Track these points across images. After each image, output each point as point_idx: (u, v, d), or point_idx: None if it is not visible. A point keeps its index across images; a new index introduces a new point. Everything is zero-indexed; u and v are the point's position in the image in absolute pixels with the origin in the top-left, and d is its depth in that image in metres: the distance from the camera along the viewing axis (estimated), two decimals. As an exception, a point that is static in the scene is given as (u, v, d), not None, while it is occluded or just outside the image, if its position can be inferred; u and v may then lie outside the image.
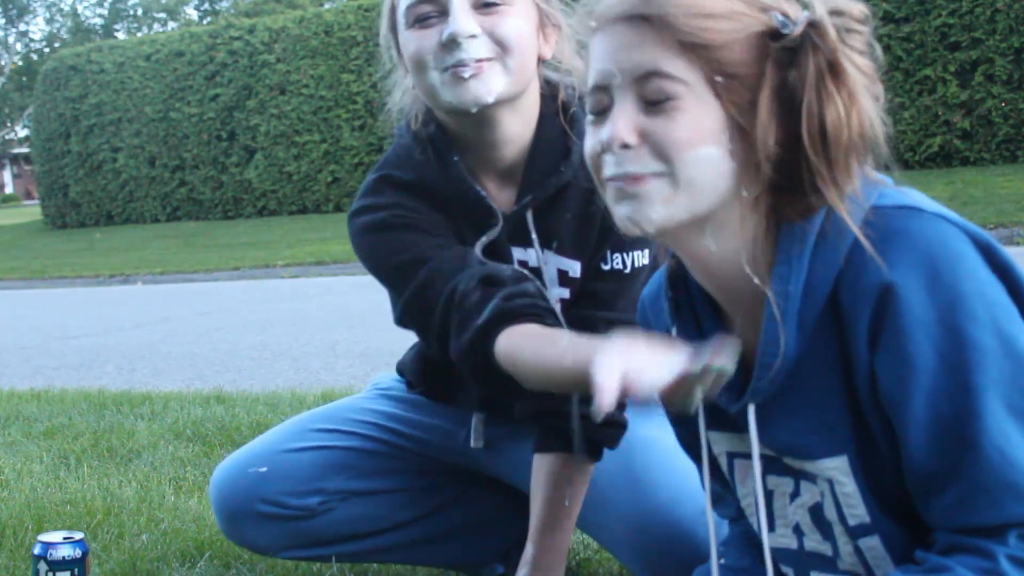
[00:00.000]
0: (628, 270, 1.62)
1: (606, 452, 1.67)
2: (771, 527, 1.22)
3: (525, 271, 1.61)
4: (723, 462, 1.26)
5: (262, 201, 16.51)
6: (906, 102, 11.82)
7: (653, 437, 1.75)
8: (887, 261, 1.04)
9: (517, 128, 1.60)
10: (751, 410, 1.16)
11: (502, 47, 1.52)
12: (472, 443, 1.82)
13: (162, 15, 42.81)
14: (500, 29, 1.52)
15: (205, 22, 38.79)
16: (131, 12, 43.23)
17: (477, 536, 1.94)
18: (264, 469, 1.82)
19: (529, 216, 1.63)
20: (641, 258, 1.63)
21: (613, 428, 1.65)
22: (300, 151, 16.04)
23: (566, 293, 1.67)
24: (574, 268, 1.65)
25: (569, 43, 1.62)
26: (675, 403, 1.11)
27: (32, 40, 44.79)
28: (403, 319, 1.67)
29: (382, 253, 1.64)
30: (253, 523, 1.83)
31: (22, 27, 44.61)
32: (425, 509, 1.91)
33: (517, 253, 1.66)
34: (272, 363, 5.11)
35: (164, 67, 17.15)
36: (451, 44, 1.50)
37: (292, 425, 1.93)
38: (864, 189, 1.08)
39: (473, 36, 1.50)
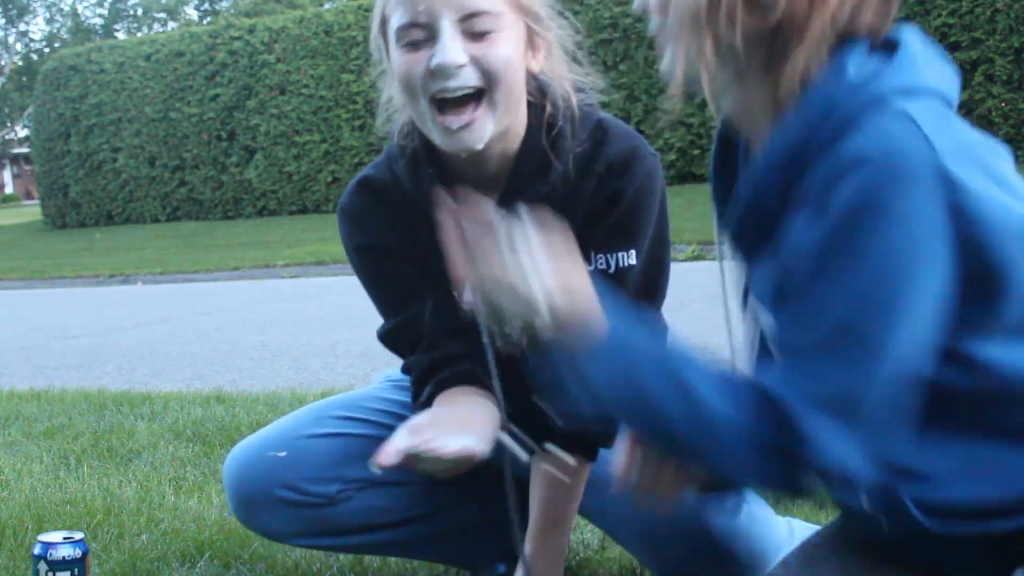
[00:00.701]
0: (612, 270, 1.63)
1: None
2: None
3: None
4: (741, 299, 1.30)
5: (262, 201, 16.52)
6: (906, 102, 11.78)
7: None
8: (843, 142, 1.05)
9: (502, 146, 1.60)
10: (727, 242, 1.23)
11: (489, 78, 1.51)
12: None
13: (162, 15, 42.83)
14: (488, 59, 1.50)
15: (205, 22, 38.80)
16: (131, 12, 43.25)
17: (487, 534, 1.94)
18: (283, 454, 1.81)
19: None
20: (627, 259, 1.63)
21: (607, 429, 1.65)
22: (300, 151, 16.05)
23: None
24: None
25: (558, 51, 1.61)
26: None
27: (32, 40, 44.82)
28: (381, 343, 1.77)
29: (356, 271, 1.74)
30: (270, 508, 1.82)
31: (22, 27, 44.64)
32: (440, 503, 1.90)
33: None
34: (272, 363, 5.11)
35: (164, 67, 17.16)
36: (439, 72, 1.49)
37: (309, 412, 1.92)
38: (878, 62, 1.10)
39: (461, 66, 1.49)
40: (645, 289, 1.66)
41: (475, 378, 1.64)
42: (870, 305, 1.04)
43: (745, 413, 1.07)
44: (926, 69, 1.12)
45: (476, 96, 1.52)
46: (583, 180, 1.60)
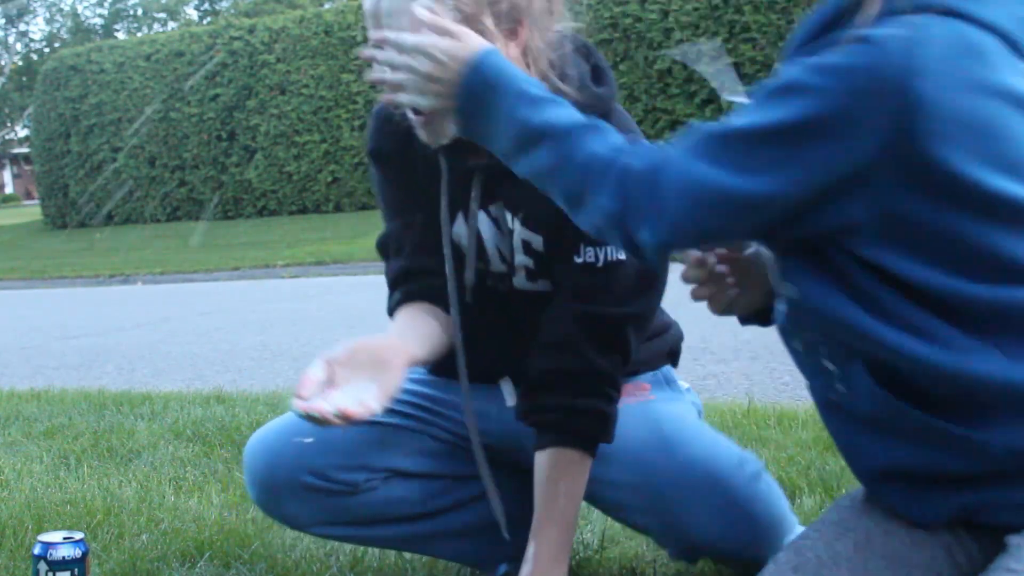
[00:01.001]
0: (600, 264, 1.64)
1: (636, 423, 1.69)
2: None
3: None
4: None
5: (262, 201, 16.52)
6: (906, 102, 11.78)
7: (680, 412, 1.79)
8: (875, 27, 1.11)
9: None
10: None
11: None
12: (508, 403, 1.81)
13: (162, 15, 42.84)
14: None
15: (205, 22, 38.81)
16: (131, 12, 43.26)
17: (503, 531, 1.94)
18: (310, 440, 1.79)
19: (476, 180, 1.67)
20: (615, 252, 1.64)
21: (602, 423, 1.66)
22: (300, 151, 16.05)
23: (530, 263, 1.70)
24: (536, 241, 1.68)
25: (541, 33, 1.60)
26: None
27: (32, 40, 44.80)
28: None
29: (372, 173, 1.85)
30: (294, 495, 1.80)
31: (22, 27, 44.63)
32: (461, 497, 1.90)
33: (494, 210, 1.70)
34: (272, 363, 5.11)
35: (164, 67, 17.16)
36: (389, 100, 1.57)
37: None
38: None
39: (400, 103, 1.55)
40: (641, 285, 1.67)
41: (439, 296, 1.73)
42: (778, 137, 1.12)
43: (615, 149, 1.24)
44: (992, 1, 1.13)
45: None
46: None
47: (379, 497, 1.83)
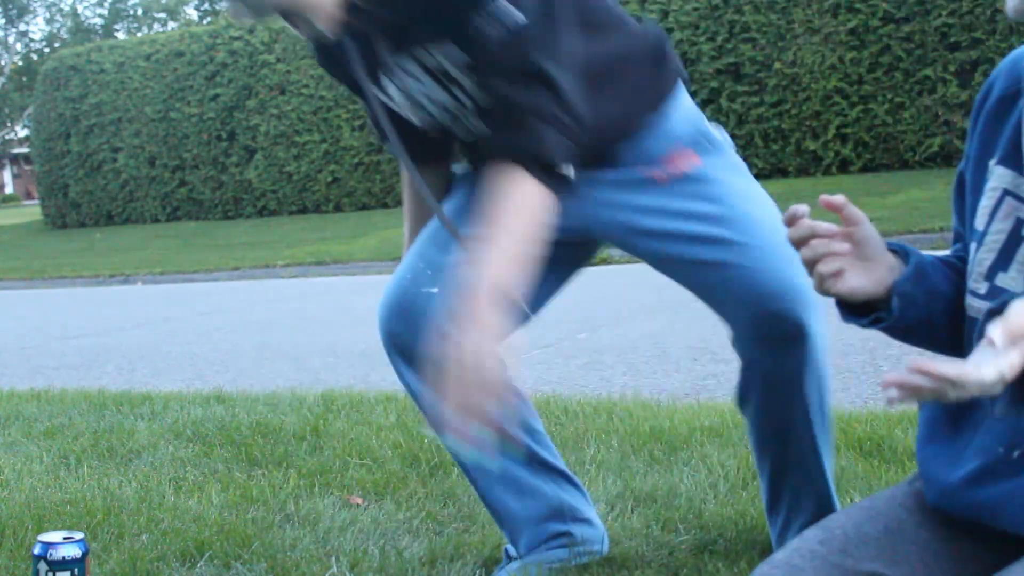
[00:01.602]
0: (509, 34, 1.54)
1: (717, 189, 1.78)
2: (1005, 268, 1.23)
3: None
4: (992, 196, 1.26)
5: (262, 201, 16.52)
6: (906, 102, 11.82)
7: (739, 188, 1.83)
8: None
9: None
10: None
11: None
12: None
13: (162, 15, 42.83)
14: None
15: (205, 22, 38.81)
16: (131, 12, 43.24)
17: (557, 519, 1.94)
18: (435, 290, 1.78)
19: (379, 43, 1.70)
20: (507, 9, 1.54)
21: (542, 143, 1.57)
22: (300, 151, 16.05)
23: (473, 77, 1.65)
24: (454, 52, 1.63)
25: None
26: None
27: (32, 40, 44.78)
28: None
29: None
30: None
31: (22, 27, 44.63)
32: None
33: (408, 66, 1.72)
34: (272, 363, 5.10)
35: (164, 67, 17.16)
36: None
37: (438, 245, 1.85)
38: None
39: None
40: (543, 30, 1.58)
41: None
42: None
43: None
44: None
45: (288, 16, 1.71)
46: None
47: None
